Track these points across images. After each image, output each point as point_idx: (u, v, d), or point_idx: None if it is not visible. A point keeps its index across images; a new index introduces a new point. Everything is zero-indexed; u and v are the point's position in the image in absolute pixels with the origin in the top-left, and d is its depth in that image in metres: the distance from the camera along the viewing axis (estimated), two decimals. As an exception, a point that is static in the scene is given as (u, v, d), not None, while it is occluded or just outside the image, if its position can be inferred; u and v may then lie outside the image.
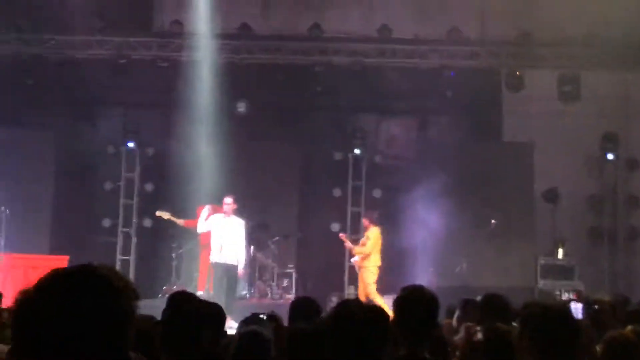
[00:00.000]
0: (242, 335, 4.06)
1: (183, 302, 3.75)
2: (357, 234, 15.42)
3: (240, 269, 12.57)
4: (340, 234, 13.74)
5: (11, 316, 1.54)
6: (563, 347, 3.20)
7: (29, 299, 1.58)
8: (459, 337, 6.19)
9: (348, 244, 13.34)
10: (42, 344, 1.48)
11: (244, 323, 4.95)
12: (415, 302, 3.60)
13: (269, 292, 14.36)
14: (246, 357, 3.90)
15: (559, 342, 3.19)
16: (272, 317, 4.00)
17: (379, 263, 12.56)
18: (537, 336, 3.21)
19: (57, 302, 1.51)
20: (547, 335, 3.19)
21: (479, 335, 5.17)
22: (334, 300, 13.95)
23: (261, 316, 4.34)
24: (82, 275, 1.56)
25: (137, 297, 1.64)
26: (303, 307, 5.62)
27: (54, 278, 1.55)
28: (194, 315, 3.64)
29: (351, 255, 13.64)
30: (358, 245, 13.05)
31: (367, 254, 12.61)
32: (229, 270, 12.59)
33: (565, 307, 3.71)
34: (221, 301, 6.28)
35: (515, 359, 3.32)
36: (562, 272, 14.11)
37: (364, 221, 13.32)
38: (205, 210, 12.75)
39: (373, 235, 12.66)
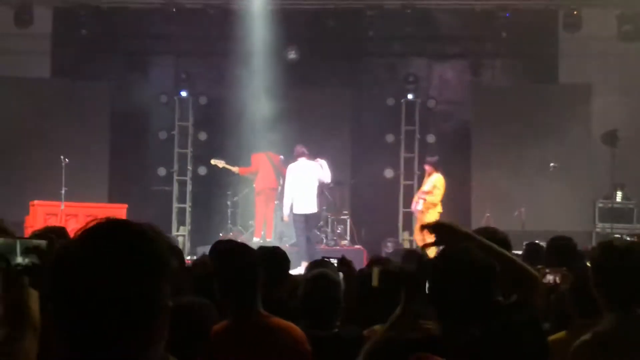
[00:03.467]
0: (311, 277, 4.06)
1: (226, 253, 3.72)
2: (410, 179, 15.37)
3: (285, 216, 12.82)
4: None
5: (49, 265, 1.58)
6: None
7: (68, 248, 1.61)
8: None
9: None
10: (79, 291, 1.52)
11: (311, 266, 4.97)
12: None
13: (324, 238, 14.43)
14: (316, 298, 3.90)
15: None
16: (343, 262, 3.98)
17: (440, 210, 12.66)
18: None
19: (95, 250, 1.56)
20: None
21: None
22: (389, 246, 14.01)
23: (332, 260, 4.33)
24: (118, 225, 1.61)
25: (172, 250, 1.67)
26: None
27: (91, 229, 1.60)
28: (240, 264, 3.62)
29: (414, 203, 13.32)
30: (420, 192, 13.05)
31: (435, 203, 12.68)
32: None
33: None
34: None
35: None
36: (621, 215, 13.91)
37: (427, 168, 13.20)
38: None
39: (440, 184, 12.68)
